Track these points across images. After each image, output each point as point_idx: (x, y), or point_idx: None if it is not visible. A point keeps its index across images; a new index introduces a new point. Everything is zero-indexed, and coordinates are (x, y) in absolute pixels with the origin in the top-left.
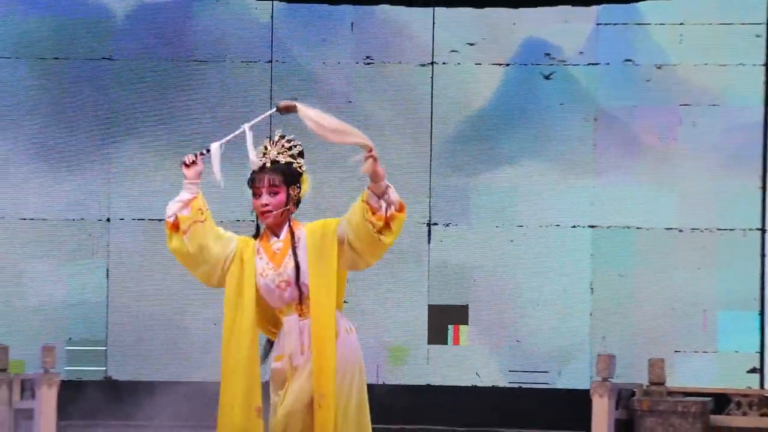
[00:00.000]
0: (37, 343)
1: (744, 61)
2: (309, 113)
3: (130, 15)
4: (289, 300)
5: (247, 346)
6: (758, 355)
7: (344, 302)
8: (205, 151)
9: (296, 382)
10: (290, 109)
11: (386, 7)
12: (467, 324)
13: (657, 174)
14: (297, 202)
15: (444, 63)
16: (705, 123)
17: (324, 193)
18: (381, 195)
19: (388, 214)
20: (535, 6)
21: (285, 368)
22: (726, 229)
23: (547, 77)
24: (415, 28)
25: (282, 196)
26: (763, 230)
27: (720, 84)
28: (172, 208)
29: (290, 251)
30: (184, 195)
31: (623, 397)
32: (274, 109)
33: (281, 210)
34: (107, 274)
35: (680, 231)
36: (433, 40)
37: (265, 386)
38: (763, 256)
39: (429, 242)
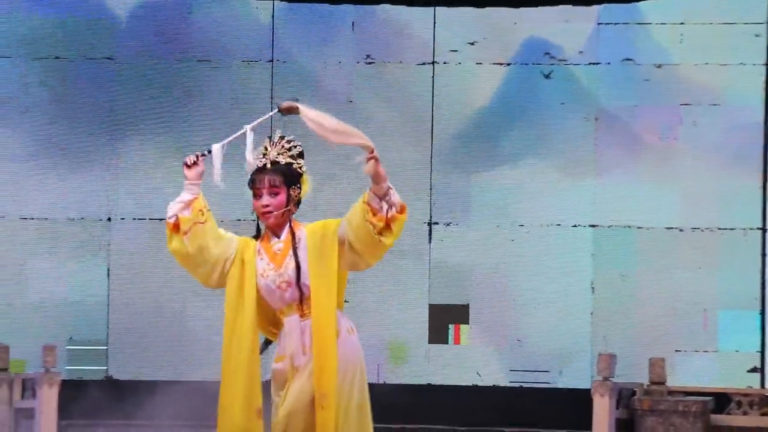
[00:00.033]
0: (38, 343)
1: (745, 61)
2: (310, 114)
3: (131, 14)
4: (290, 300)
5: (248, 347)
6: (759, 354)
7: (345, 301)
8: (206, 152)
9: (297, 381)
10: (292, 110)
11: (387, 6)
12: (468, 323)
13: (658, 173)
14: (297, 203)
15: (445, 62)
16: (706, 122)
17: (324, 193)
18: (382, 196)
19: (389, 216)
20: (536, 5)
21: (286, 369)
22: (727, 229)
23: (547, 76)
24: (416, 28)
25: (282, 197)
26: (763, 230)
27: (721, 83)
28: (173, 208)
29: (291, 252)
30: (185, 196)
31: (624, 397)
32: (276, 110)
33: (282, 211)
34: (108, 274)
35: (681, 230)
36: (434, 40)
37: (266, 386)
38: (763, 255)
39: (430, 241)
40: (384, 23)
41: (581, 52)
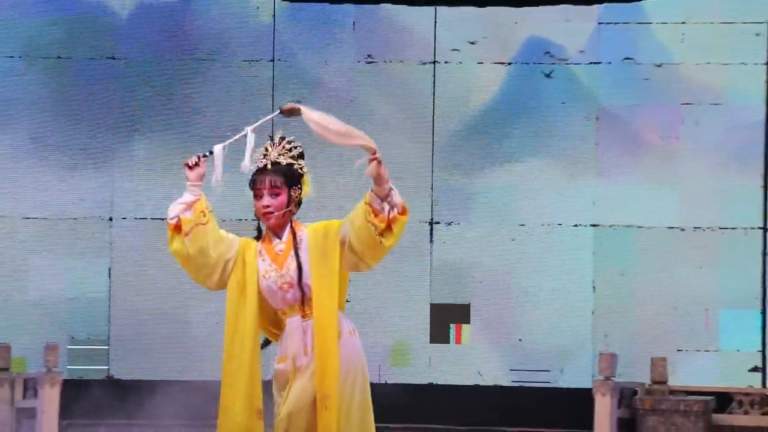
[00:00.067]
0: (40, 342)
1: (746, 60)
2: (312, 116)
3: (133, 14)
4: (292, 301)
5: (249, 348)
6: (760, 353)
7: (346, 301)
8: (208, 153)
9: (299, 382)
10: (294, 112)
11: (388, 6)
12: (469, 323)
13: (659, 173)
14: (298, 203)
15: (446, 62)
16: (707, 122)
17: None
18: (384, 197)
19: (391, 217)
20: (537, 5)
21: (288, 369)
22: (728, 228)
23: (548, 75)
24: (417, 27)
25: (283, 198)
26: (764, 229)
27: (722, 83)
28: (174, 209)
29: (292, 252)
30: (187, 197)
31: (625, 396)
32: (278, 112)
33: (283, 211)
34: (110, 273)
35: (682, 230)
36: (435, 39)
37: (266, 386)
38: (764, 254)
39: (431, 241)
40: (385, 22)
41: (582, 51)
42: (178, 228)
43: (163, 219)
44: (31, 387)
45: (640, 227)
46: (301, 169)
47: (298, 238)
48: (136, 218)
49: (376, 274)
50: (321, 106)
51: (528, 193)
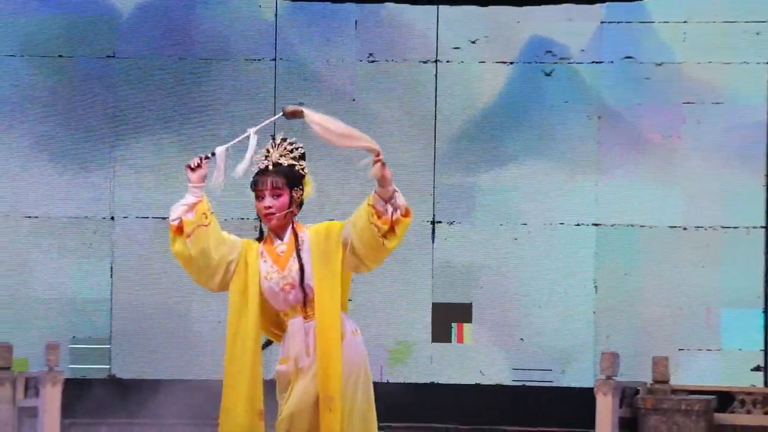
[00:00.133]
0: (41, 341)
1: (748, 60)
2: (315, 118)
3: (135, 13)
4: (294, 302)
5: (251, 349)
6: (762, 353)
7: (348, 300)
8: (210, 155)
9: (301, 382)
10: (296, 114)
11: (390, 5)
12: (471, 322)
13: (661, 172)
14: (300, 204)
15: (448, 61)
16: (709, 121)
17: (327, 195)
18: (387, 199)
19: (394, 219)
20: (539, 4)
21: (290, 371)
22: (730, 227)
23: (547, 74)
24: (419, 27)
25: (285, 199)
26: (766, 228)
27: (724, 82)
28: (176, 211)
29: (294, 253)
30: (189, 198)
31: (627, 396)
32: (281, 114)
33: (284, 212)
34: (111, 272)
35: (684, 229)
36: (437, 39)
37: (267, 385)
38: (766, 253)
39: (433, 241)
40: (387, 22)
41: (584, 50)
42: (179, 229)
43: (164, 218)
44: (32, 386)
45: (642, 226)
46: (302, 170)
47: (299, 240)
48: (137, 217)
49: (378, 273)
50: (323, 105)
51: (530, 192)
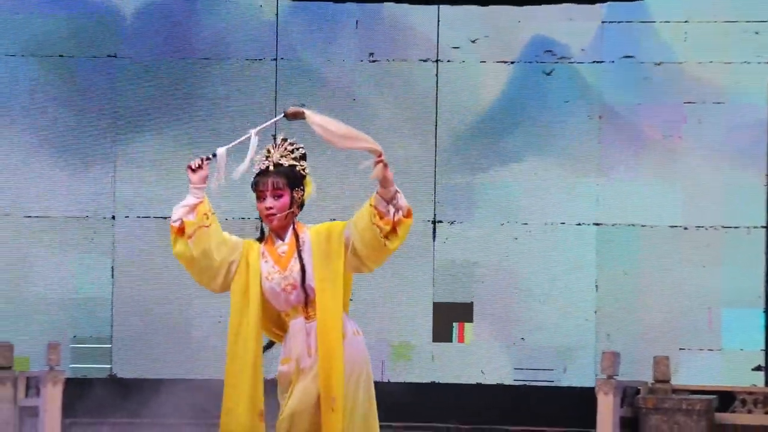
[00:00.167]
0: (42, 341)
1: (749, 59)
2: (316, 119)
3: (136, 13)
4: (295, 303)
5: (252, 349)
6: (763, 352)
7: (349, 300)
8: (211, 156)
9: (301, 383)
10: (298, 116)
11: (391, 4)
12: (472, 321)
13: (662, 171)
14: (301, 205)
15: (449, 61)
16: (710, 120)
17: (328, 195)
18: (390, 200)
19: (396, 219)
20: (540, 4)
21: (291, 371)
22: (731, 227)
23: (548, 74)
24: (420, 26)
25: (286, 199)
26: (767, 228)
27: (725, 81)
28: (177, 212)
29: (295, 254)
30: (190, 199)
31: (628, 395)
32: (282, 115)
33: (285, 213)
34: (112, 272)
35: (685, 228)
36: (437, 38)
37: (268, 385)
38: (767, 253)
39: (434, 240)
40: (388, 21)
41: (585, 50)
42: (181, 231)
43: (165, 218)
44: (33, 385)
45: (643, 226)
46: (303, 170)
47: (300, 240)
48: (138, 216)
49: (378, 273)
50: (323, 105)
51: (531, 191)
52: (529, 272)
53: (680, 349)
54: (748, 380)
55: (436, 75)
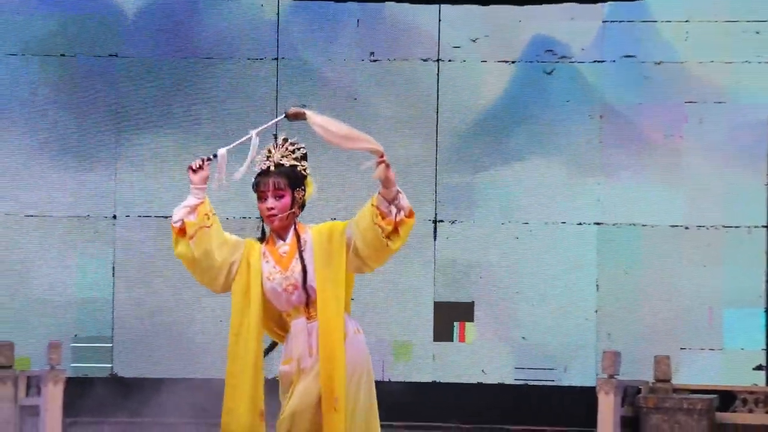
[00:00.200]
0: (43, 340)
1: (750, 59)
2: (318, 120)
3: (137, 12)
4: (297, 303)
5: (253, 349)
6: (764, 352)
7: (351, 299)
8: (212, 156)
9: (302, 383)
10: (299, 116)
11: (392, 4)
12: (473, 321)
13: (663, 171)
14: (302, 205)
15: (450, 60)
16: (711, 120)
17: (329, 195)
18: (391, 200)
19: (398, 219)
20: (541, 3)
21: (292, 371)
22: (731, 227)
23: (548, 73)
24: (421, 26)
25: (287, 199)
26: None
27: (726, 81)
28: (178, 213)
29: (297, 254)
30: (191, 200)
31: (629, 394)
32: (283, 116)
33: (287, 213)
34: (113, 271)
35: (686, 228)
36: (438, 38)
37: (271, 383)
38: None
39: (435, 239)
40: (389, 21)
41: (586, 49)
42: (182, 231)
43: (167, 217)
44: (34, 385)
45: (644, 226)
46: (304, 170)
47: (302, 240)
48: (139, 216)
49: (379, 272)
50: (324, 104)
51: (532, 191)
52: (529, 272)
53: (681, 348)
54: (748, 380)
55: (437, 74)
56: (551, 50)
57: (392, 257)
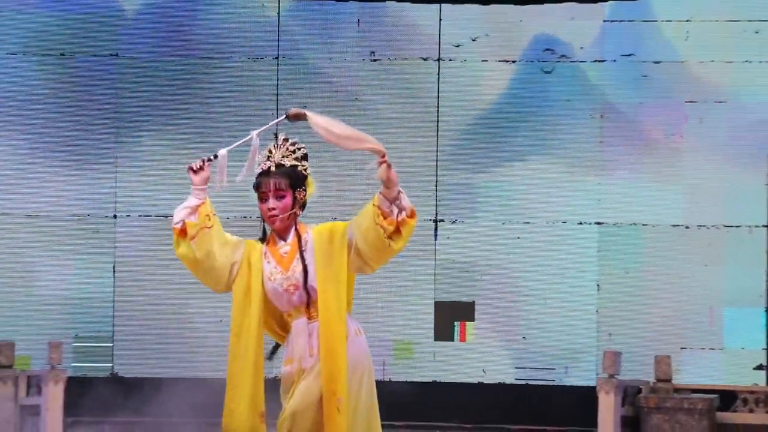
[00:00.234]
0: (44, 340)
1: (750, 58)
2: (319, 121)
3: (137, 11)
4: (297, 303)
5: (254, 350)
6: (764, 351)
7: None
8: (212, 157)
9: (303, 382)
10: (300, 117)
11: (393, 3)
12: (474, 321)
13: (663, 171)
14: (303, 205)
15: (450, 60)
16: (711, 120)
17: (330, 195)
18: (393, 200)
19: (399, 219)
20: (542, 3)
21: (293, 371)
22: (732, 226)
23: (548, 72)
24: (422, 25)
25: (288, 200)
26: None
27: (727, 81)
28: (179, 214)
29: (298, 255)
30: (192, 201)
31: (630, 394)
32: (284, 117)
33: (288, 213)
34: (114, 271)
35: (687, 228)
36: (439, 37)
37: (271, 384)
38: None
39: (435, 239)
40: (389, 20)
41: (586, 49)
42: (183, 232)
43: (167, 216)
44: (34, 384)
45: (644, 225)
46: (305, 170)
47: (303, 241)
48: (140, 215)
49: (380, 272)
50: (325, 104)
51: (533, 190)
52: (530, 271)
53: (682, 348)
54: (749, 379)
55: (438, 74)
56: (552, 49)
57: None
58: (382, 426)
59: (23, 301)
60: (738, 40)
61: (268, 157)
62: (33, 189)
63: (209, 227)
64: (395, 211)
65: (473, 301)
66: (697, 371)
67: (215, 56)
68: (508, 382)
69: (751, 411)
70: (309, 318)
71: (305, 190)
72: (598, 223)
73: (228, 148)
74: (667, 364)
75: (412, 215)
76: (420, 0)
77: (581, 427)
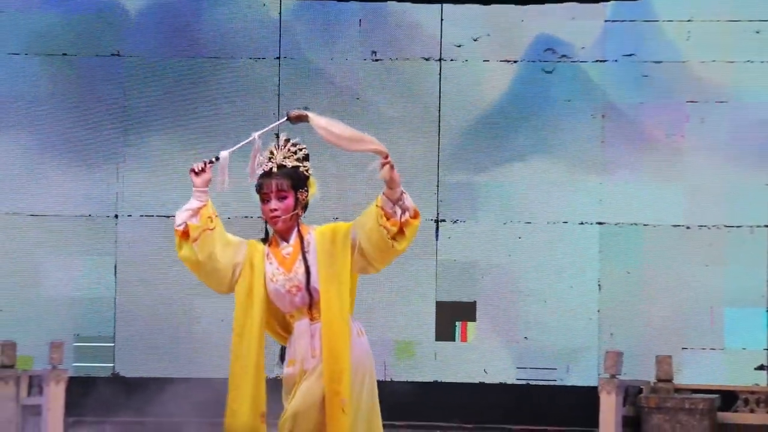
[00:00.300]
0: (45, 339)
1: (752, 58)
2: (320, 122)
3: (140, 11)
4: (300, 304)
5: (255, 351)
6: (766, 352)
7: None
8: (214, 159)
9: (305, 383)
10: (301, 119)
11: (394, 3)
12: (475, 320)
13: (664, 171)
14: (305, 206)
15: (452, 60)
16: (712, 120)
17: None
18: (396, 201)
19: (403, 220)
20: (543, 3)
21: (295, 373)
22: (733, 226)
23: (548, 72)
24: (423, 25)
25: (290, 201)
26: None
27: (728, 80)
28: (181, 216)
29: (300, 256)
30: (194, 203)
31: (631, 394)
32: (285, 118)
33: (290, 214)
34: (115, 271)
35: (688, 228)
36: (441, 37)
37: (272, 384)
38: None
39: (437, 239)
40: (391, 20)
41: (588, 49)
42: (185, 234)
43: (169, 216)
44: (36, 384)
45: (645, 225)
46: (306, 171)
47: (305, 242)
48: (142, 216)
49: (381, 271)
50: (327, 104)
51: (534, 190)
52: (532, 271)
53: (683, 348)
54: (750, 379)
55: (440, 74)
56: (553, 49)
57: None
58: (384, 426)
59: (25, 301)
60: (739, 40)
61: (270, 158)
62: (35, 189)
63: (211, 229)
64: (398, 212)
65: (474, 301)
66: (698, 371)
67: (217, 56)
68: (509, 382)
69: (752, 411)
70: (311, 319)
71: (307, 191)
72: (600, 223)
73: (229, 150)
74: (668, 364)
75: (415, 216)
76: (421, 0)
77: (582, 427)
